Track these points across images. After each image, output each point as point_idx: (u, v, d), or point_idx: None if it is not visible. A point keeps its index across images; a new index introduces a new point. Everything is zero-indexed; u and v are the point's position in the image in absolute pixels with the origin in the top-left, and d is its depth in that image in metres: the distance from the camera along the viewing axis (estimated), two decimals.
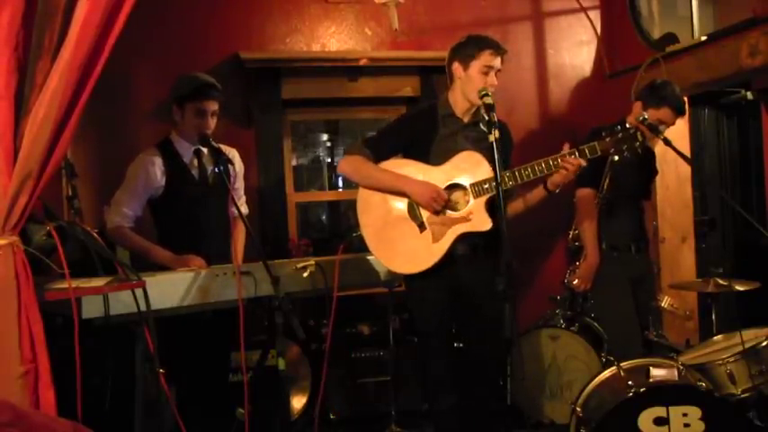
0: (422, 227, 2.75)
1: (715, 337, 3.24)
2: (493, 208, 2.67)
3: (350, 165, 2.84)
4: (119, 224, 2.88)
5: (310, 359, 3.70)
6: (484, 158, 2.68)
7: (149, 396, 2.36)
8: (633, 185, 3.40)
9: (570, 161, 2.61)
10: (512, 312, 2.17)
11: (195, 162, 3.02)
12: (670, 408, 2.58)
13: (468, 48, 2.77)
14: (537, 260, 4.71)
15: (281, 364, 2.46)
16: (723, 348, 3.05)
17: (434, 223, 2.74)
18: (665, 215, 4.45)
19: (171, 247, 2.87)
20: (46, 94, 1.83)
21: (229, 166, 2.88)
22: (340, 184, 5.37)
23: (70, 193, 2.63)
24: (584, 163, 2.63)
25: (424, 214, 2.76)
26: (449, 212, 2.73)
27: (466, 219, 2.71)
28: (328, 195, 5.54)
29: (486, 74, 2.73)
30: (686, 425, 2.57)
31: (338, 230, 5.26)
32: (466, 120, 2.85)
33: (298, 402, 3.68)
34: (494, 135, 2.45)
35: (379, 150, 2.82)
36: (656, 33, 4.40)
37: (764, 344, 2.86)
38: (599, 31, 4.83)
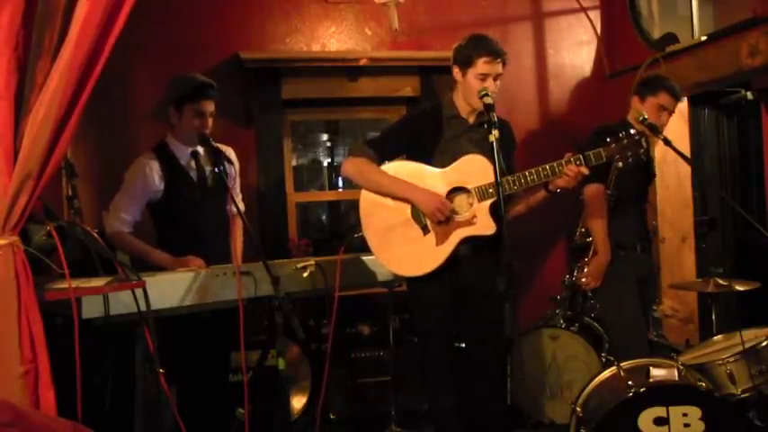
0: (425, 230, 2.75)
1: (715, 338, 3.24)
2: (497, 212, 2.65)
3: (354, 167, 2.83)
4: (118, 229, 2.88)
5: (310, 359, 3.70)
6: (489, 162, 2.65)
7: (149, 396, 2.36)
8: (635, 189, 3.40)
9: (574, 169, 2.62)
10: (512, 312, 2.18)
11: (193, 164, 3.01)
12: (670, 408, 2.58)
13: (466, 53, 2.74)
14: (537, 260, 4.71)
15: (281, 364, 2.46)
16: (723, 348, 3.05)
17: (438, 226, 2.73)
18: (665, 215, 4.45)
19: (171, 250, 2.87)
20: (46, 94, 1.83)
21: (229, 165, 2.88)
22: (340, 184, 5.37)
23: (70, 193, 2.62)
24: (587, 172, 2.64)
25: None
26: (453, 216, 2.73)
27: (470, 222, 2.71)
28: (328, 195, 5.54)
29: (482, 80, 2.71)
30: (686, 425, 2.57)
31: (338, 230, 5.26)
32: (471, 120, 2.84)
33: (298, 402, 3.68)
34: (494, 135, 2.46)
35: (383, 151, 2.81)
36: (656, 33, 4.40)
37: (764, 344, 2.86)
38: (599, 31, 4.83)
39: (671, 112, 3.31)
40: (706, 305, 3.75)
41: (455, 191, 2.75)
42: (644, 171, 3.47)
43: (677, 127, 4.43)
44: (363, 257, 2.94)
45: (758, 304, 3.69)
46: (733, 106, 5.09)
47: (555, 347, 3.69)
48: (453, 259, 2.73)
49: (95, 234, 2.25)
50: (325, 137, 5.61)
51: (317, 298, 2.85)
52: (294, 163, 4.72)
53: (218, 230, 3.09)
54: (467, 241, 2.72)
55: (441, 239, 2.73)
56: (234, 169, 3.09)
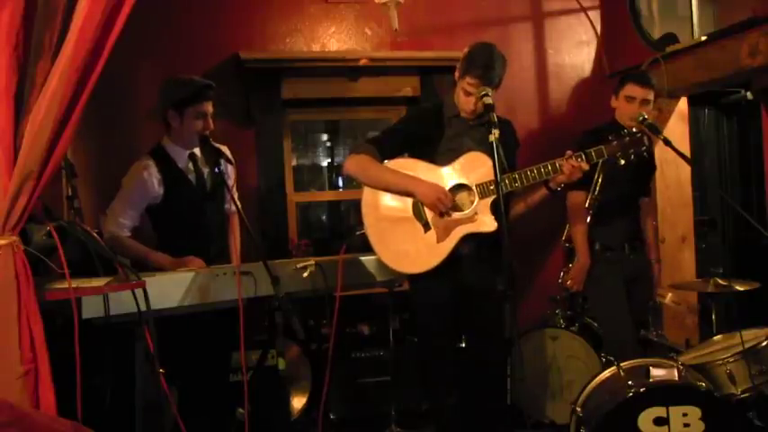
0: (426, 227, 2.75)
1: (715, 337, 3.24)
2: (498, 209, 2.66)
3: (356, 164, 2.83)
4: (116, 233, 2.87)
5: (310, 359, 3.70)
6: (490, 160, 2.66)
7: (149, 396, 2.36)
8: (629, 183, 3.39)
9: (575, 164, 2.63)
10: (512, 312, 2.18)
11: (191, 166, 2.98)
12: (670, 408, 2.58)
13: (463, 64, 2.75)
14: (537, 260, 4.71)
15: (281, 364, 2.46)
16: (723, 348, 3.05)
17: (439, 223, 2.74)
18: (665, 215, 4.46)
19: (171, 252, 2.85)
20: (46, 94, 1.83)
21: (228, 165, 2.88)
22: (340, 183, 5.37)
23: (70, 193, 2.62)
24: (587, 167, 2.66)
25: (429, 214, 2.76)
26: (454, 213, 2.73)
27: (471, 219, 2.72)
28: (328, 195, 5.53)
29: (468, 95, 2.73)
30: (686, 425, 2.57)
31: (338, 230, 5.26)
32: (472, 120, 2.85)
33: (298, 402, 3.68)
34: (493, 135, 2.47)
35: (385, 149, 2.82)
36: (656, 33, 4.40)
37: (764, 344, 2.86)
38: (599, 31, 4.83)
39: (642, 101, 3.25)
40: (706, 305, 3.75)
41: (457, 188, 2.76)
42: (636, 170, 3.47)
43: (677, 127, 4.44)
44: (363, 258, 2.94)
45: (758, 304, 3.70)
46: (733, 106, 5.10)
47: (555, 347, 3.70)
48: (454, 257, 2.73)
49: (95, 234, 2.25)
50: (325, 137, 5.61)
51: (316, 298, 2.84)
52: (294, 163, 4.72)
53: (217, 232, 3.09)
54: (468, 239, 2.73)
55: (442, 236, 2.73)
56: (232, 168, 3.09)
